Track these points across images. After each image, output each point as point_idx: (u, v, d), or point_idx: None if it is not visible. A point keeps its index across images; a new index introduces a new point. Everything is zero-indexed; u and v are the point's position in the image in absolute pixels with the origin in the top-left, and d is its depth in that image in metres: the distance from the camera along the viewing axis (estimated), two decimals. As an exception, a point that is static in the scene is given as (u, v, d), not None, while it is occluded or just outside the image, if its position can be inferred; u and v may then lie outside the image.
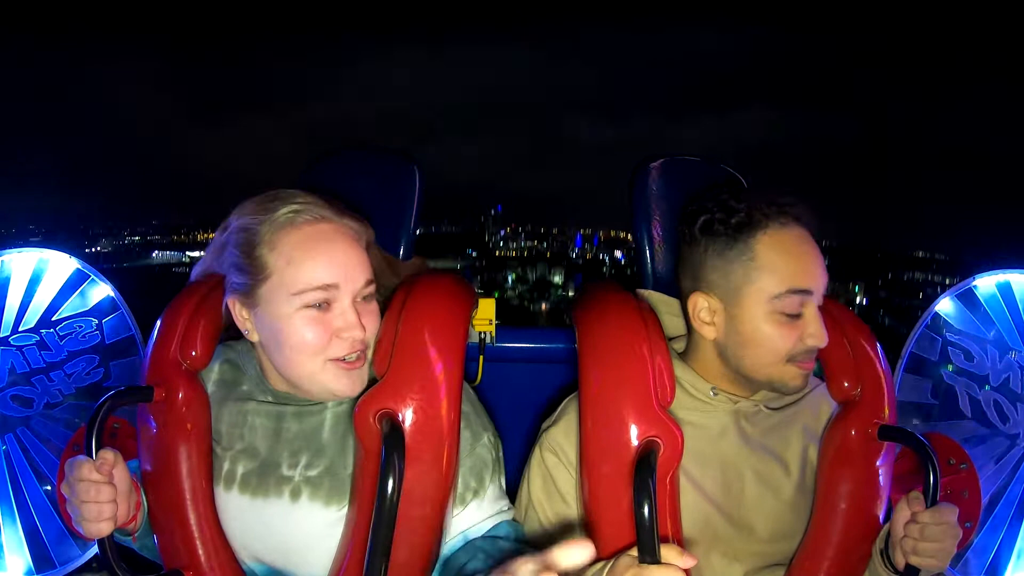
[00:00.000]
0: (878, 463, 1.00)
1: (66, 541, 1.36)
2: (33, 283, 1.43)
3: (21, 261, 1.43)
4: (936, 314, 1.39)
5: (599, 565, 0.89)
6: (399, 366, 0.91)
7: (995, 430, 1.32)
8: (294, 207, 0.91)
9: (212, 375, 1.04)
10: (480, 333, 1.46)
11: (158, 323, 1.03)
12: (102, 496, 0.86)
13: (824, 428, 1.06)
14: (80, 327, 1.43)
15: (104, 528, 0.87)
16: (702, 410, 1.03)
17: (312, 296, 0.89)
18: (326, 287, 0.89)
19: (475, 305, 1.05)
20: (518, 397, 1.36)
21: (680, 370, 1.03)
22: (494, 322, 1.47)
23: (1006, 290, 1.37)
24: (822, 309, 1.03)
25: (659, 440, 0.90)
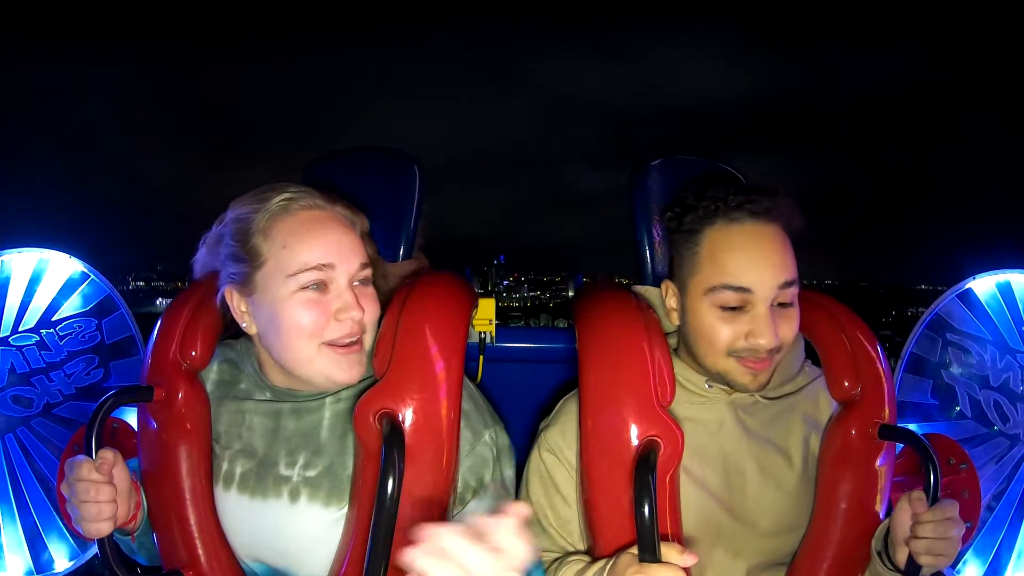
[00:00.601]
0: (878, 463, 1.00)
1: (66, 541, 1.36)
2: (33, 283, 1.43)
3: (21, 261, 1.43)
4: (936, 314, 1.39)
5: (600, 563, 0.89)
6: (399, 366, 0.91)
7: (995, 430, 1.32)
8: (287, 195, 0.93)
9: (211, 374, 1.04)
10: (480, 333, 1.46)
11: (158, 323, 1.03)
12: (102, 496, 0.86)
13: (827, 424, 1.06)
14: (80, 327, 1.43)
15: (104, 528, 0.87)
16: (698, 403, 1.04)
17: (308, 276, 0.90)
18: (321, 267, 0.91)
19: (475, 305, 1.05)
20: (518, 397, 1.36)
21: (675, 366, 1.03)
22: (494, 322, 1.47)
23: (1006, 290, 1.37)
24: (811, 302, 1.04)
25: (659, 439, 0.90)
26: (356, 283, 0.94)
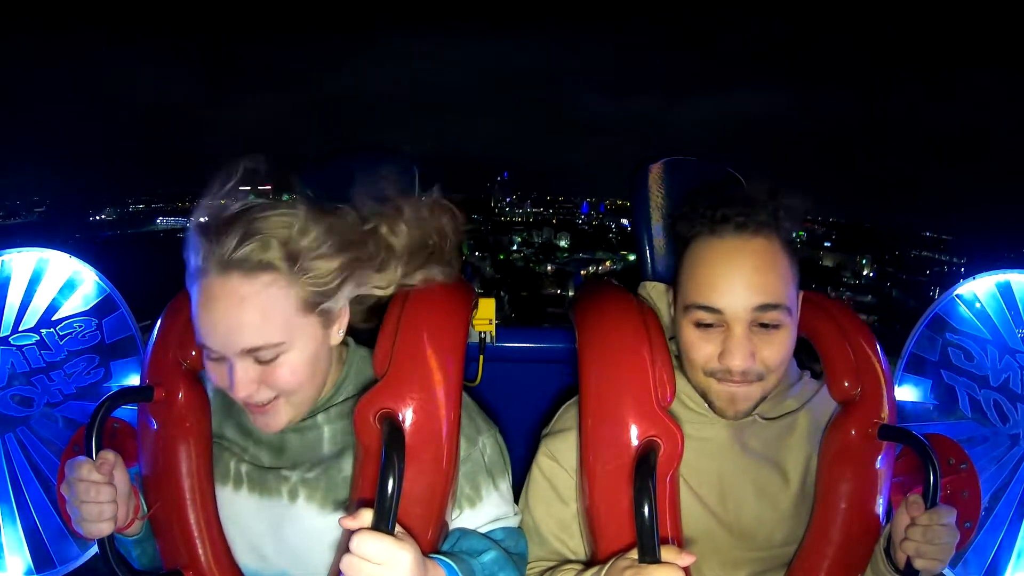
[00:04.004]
0: (878, 463, 1.00)
1: (66, 541, 1.36)
2: (33, 283, 1.42)
3: (21, 261, 1.43)
4: (936, 314, 1.39)
5: (594, 569, 0.89)
6: (399, 366, 0.91)
7: (995, 430, 1.32)
8: (198, 262, 0.85)
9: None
10: (480, 333, 1.46)
11: (158, 323, 1.03)
12: (102, 496, 0.87)
13: (826, 425, 1.05)
14: (80, 327, 1.43)
15: (104, 528, 0.88)
16: (699, 423, 1.02)
17: (206, 351, 0.87)
18: (206, 348, 0.86)
19: (475, 305, 1.05)
20: (518, 397, 1.36)
21: (679, 381, 1.02)
22: (494, 322, 1.47)
23: (1006, 290, 1.36)
24: (811, 303, 1.03)
25: (659, 440, 0.90)
26: (254, 360, 0.85)
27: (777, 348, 0.93)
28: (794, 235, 0.97)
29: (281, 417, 0.91)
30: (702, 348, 0.95)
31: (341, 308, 0.93)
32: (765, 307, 0.91)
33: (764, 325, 0.92)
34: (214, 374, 0.89)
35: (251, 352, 0.84)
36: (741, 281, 0.91)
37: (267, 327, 0.84)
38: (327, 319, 0.91)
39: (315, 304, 0.88)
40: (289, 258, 0.84)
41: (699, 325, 0.94)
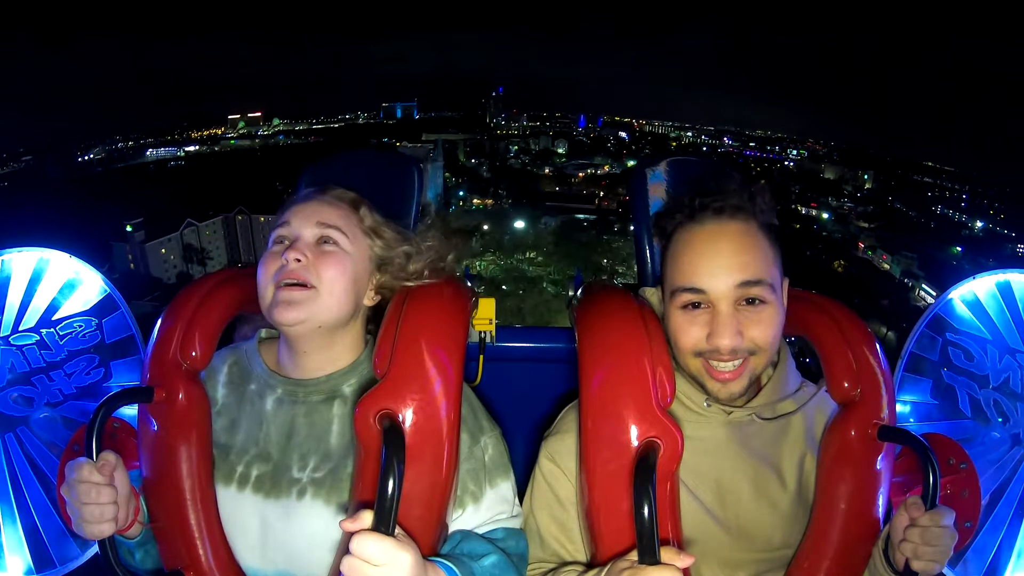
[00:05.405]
0: (878, 463, 1.00)
1: (66, 541, 1.36)
2: (33, 283, 1.42)
3: (21, 261, 1.43)
4: (936, 314, 1.39)
5: (594, 572, 0.89)
6: (399, 366, 0.91)
7: (995, 430, 1.32)
8: (304, 189, 1.10)
9: (220, 377, 1.05)
10: (480, 333, 1.46)
11: (158, 323, 1.04)
12: (103, 498, 0.87)
13: (826, 426, 1.05)
14: (80, 327, 1.43)
15: (105, 529, 0.88)
16: (696, 422, 1.03)
17: (276, 232, 1.03)
18: (282, 224, 1.03)
19: (474, 305, 1.05)
20: (518, 397, 1.36)
21: (678, 381, 1.02)
22: (494, 321, 1.47)
23: (1006, 290, 1.36)
24: (811, 303, 1.04)
25: (659, 441, 0.90)
26: (315, 244, 1.01)
27: (764, 326, 0.95)
28: (774, 222, 1.00)
29: (301, 310, 0.97)
30: (689, 331, 0.97)
31: (376, 278, 1.06)
32: (748, 283, 0.94)
33: (750, 302, 0.95)
34: (268, 263, 1.00)
35: (323, 227, 1.01)
36: (722, 261, 0.94)
37: (341, 219, 1.04)
38: (377, 262, 1.06)
39: (373, 238, 1.06)
40: (362, 219, 1.07)
41: (685, 308, 0.97)
